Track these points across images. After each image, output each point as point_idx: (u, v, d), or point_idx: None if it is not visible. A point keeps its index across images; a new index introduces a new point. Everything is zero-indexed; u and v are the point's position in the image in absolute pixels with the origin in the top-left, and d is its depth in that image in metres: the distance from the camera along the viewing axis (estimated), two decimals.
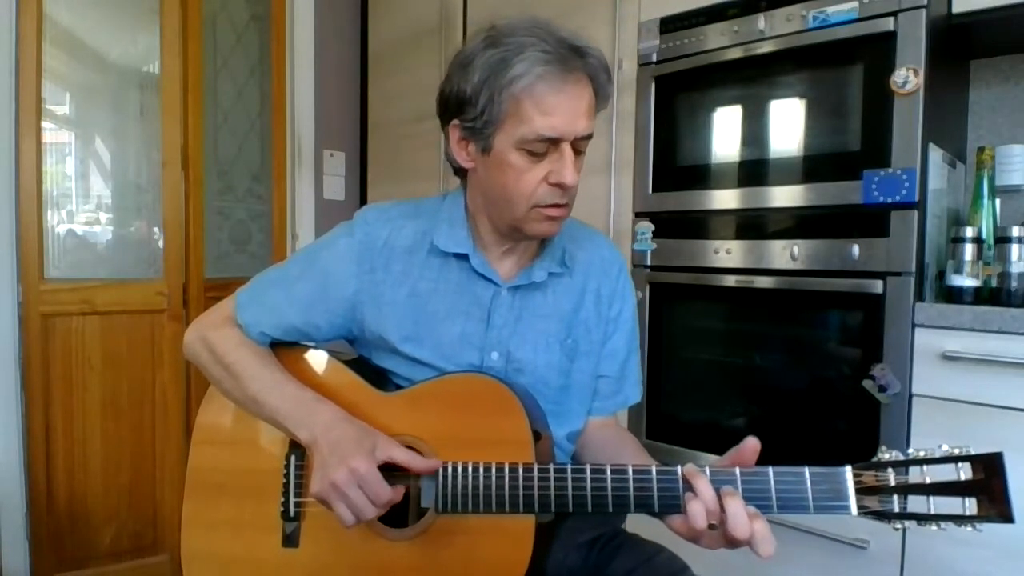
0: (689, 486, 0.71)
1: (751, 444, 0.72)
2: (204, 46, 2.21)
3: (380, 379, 0.92)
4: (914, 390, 1.30)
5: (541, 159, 0.82)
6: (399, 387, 0.91)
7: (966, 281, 1.33)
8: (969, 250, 1.33)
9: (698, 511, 0.69)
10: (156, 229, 2.14)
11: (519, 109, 0.80)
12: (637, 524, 1.00)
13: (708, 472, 0.72)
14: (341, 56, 2.60)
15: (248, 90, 2.38)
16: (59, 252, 1.97)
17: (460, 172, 0.93)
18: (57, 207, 1.98)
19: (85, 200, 2.05)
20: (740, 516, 0.68)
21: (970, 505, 0.66)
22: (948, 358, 1.25)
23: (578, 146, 0.83)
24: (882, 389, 1.32)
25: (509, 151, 0.82)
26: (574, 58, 0.80)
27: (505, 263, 0.93)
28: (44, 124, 1.92)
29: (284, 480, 0.88)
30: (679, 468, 0.73)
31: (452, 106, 0.86)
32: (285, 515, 0.87)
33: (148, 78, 2.13)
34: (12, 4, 1.83)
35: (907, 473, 0.68)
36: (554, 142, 0.81)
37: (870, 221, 1.35)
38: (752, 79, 1.53)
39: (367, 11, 2.60)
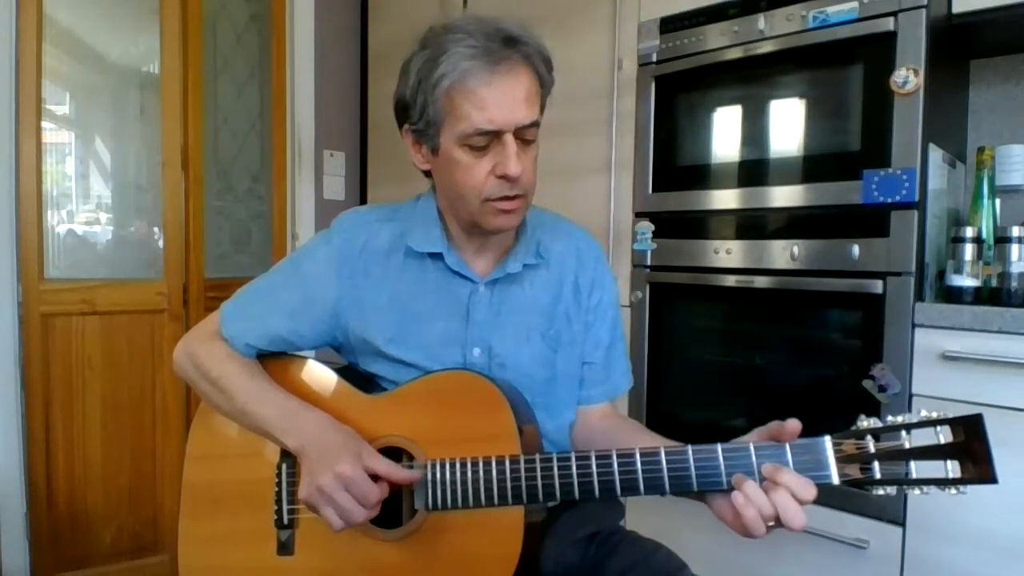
0: (736, 490, 0.70)
1: (792, 428, 0.71)
2: (204, 46, 2.21)
3: (368, 384, 0.93)
4: (914, 390, 1.30)
5: (485, 153, 0.82)
6: (387, 390, 0.91)
7: (966, 281, 1.33)
8: (969, 250, 1.33)
9: (753, 516, 0.68)
10: (156, 229, 2.14)
11: (453, 106, 0.80)
12: (636, 522, 1.00)
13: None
14: (341, 56, 2.60)
15: (248, 90, 2.38)
16: (59, 252, 1.97)
17: (428, 173, 0.93)
18: (57, 207, 1.98)
19: (85, 200, 2.05)
20: (791, 507, 0.67)
21: (953, 468, 0.66)
22: (948, 358, 1.25)
23: (523, 135, 0.82)
24: (882, 389, 1.32)
25: (454, 148, 0.82)
26: (502, 49, 0.79)
27: (480, 260, 0.94)
28: (44, 124, 1.92)
29: (276, 488, 0.88)
30: (661, 449, 0.74)
31: (399, 111, 0.88)
32: (279, 523, 0.87)
33: (148, 78, 2.13)
34: (12, 4, 1.83)
35: (888, 440, 0.68)
36: (496, 135, 0.80)
37: (870, 221, 1.35)
38: (752, 79, 1.53)
39: (367, 11, 2.60)
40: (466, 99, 0.79)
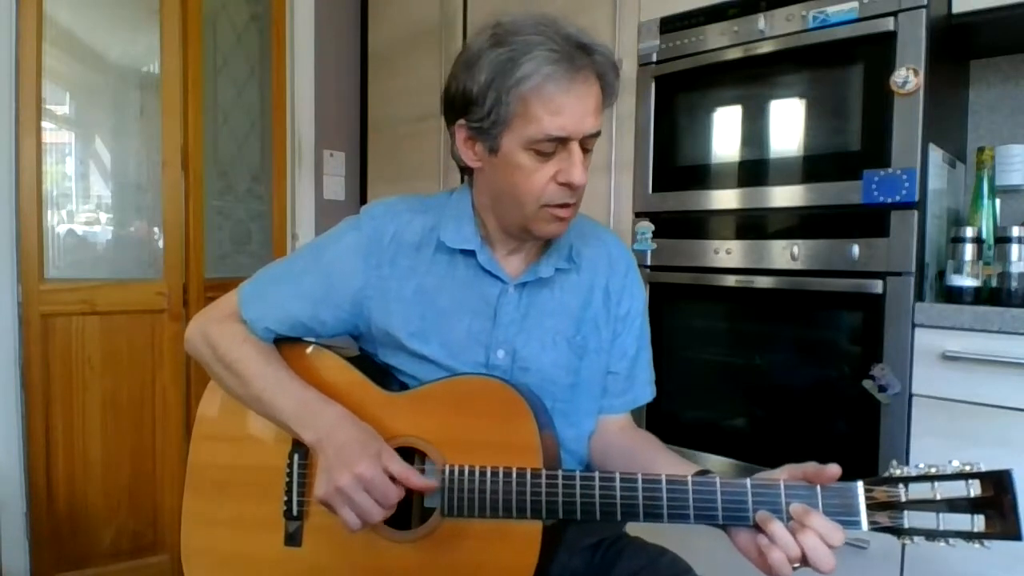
0: (762, 531, 0.69)
1: (832, 473, 0.70)
2: (204, 46, 2.21)
3: (384, 377, 0.91)
4: (914, 390, 1.30)
5: (549, 158, 0.81)
6: (404, 385, 0.91)
7: (966, 281, 1.33)
8: (969, 250, 1.33)
9: (780, 559, 0.68)
10: (156, 229, 2.14)
11: (527, 109, 0.79)
12: (640, 527, 1.00)
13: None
14: (341, 56, 2.60)
15: (248, 90, 2.38)
16: (59, 252, 1.97)
17: (466, 170, 0.92)
18: (57, 207, 1.97)
19: (85, 200, 2.05)
20: (820, 549, 0.67)
21: (978, 522, 0.66)
22: (948, 358, 1.25)
23: (586, 144, 0.83)
24: (882, 389, 1.32)
25: (517, 151, 0.81)
26: (581, 56, 0.79)
27: (512, 260, 0.93)
28: (44, 124, 1.92)
29: (287, 478, 0.88)
30: (689, 479, 0.72)
31: (458, 106, 0.85)
32: (288, 514, 0.87)
33: (148, 78, 2.13)
34: (12, 4, 1.83)
35: (922, 489, 0.68)
36: (562, 141, 0.80)
37: (870, 221, 1.35)
38: (752, 79, 1.53)
39: (367, 11, 2.60)
40: (542, 104, 0.78)
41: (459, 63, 0.84)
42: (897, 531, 0.68)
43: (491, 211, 0.90)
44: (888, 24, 1.32)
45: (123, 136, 2.11)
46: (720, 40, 1.57)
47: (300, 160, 2.49)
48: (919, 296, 1.33)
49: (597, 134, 0.83)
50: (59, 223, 1.98)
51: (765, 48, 1.48)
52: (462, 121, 0.85)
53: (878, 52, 1.33)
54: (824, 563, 0.67)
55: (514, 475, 0.76)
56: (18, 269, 1.87)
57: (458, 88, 0.84)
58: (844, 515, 0.69)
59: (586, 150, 0.84)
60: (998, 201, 1.47)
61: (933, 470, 0.68)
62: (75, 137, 2.05)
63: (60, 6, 1.95)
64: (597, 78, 0.81)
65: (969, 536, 0.66)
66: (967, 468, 0.66)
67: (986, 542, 0.66)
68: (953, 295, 1.34)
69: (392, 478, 0.77)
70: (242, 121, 2.37)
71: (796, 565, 0.68)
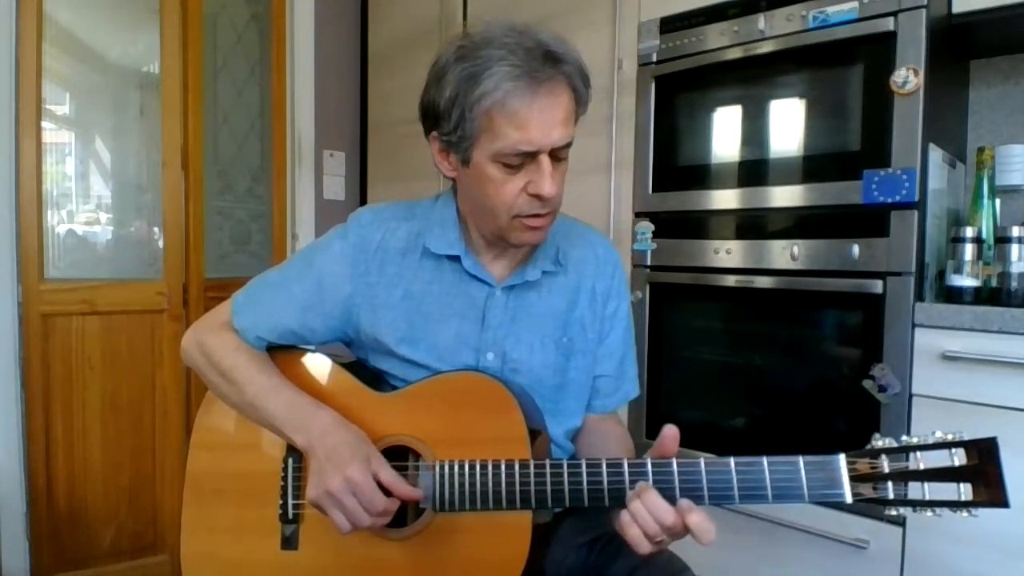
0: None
1: (669, 433, 0.73)
2: (204, 46, 2.21)
3: (377, 381, 0.92)
4: (914, 390, 1.30)
5: (519, 170, 0.82)
6: (396, 388, 0.91)
7: (966, 281, 1.33)
8: (969, 250, 1.33)
9: (636, 535, 0.71)
10: (156, 229, 2.14)
11: (492, 125, 0.79)
12: None
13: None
14: (341, 56, 2.60)
15: (248, 90, 2.38)
16: (59, 252, 1.97)
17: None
18: (57, 207, 1.98)
19: (85, 200, 2.05)
20: (642, 513, 0.70)
21: (965, 490, 0.66)
22: (948, 358, 1.25)
23: (557, 154, 0.82)
24: (882, 389, 1.32)
25: (486, 164, 0.82)
26: (546, 67, 0.78)
27: (498, 264, 0.94)
28: (44, 124, 1.92)
29: (282, 483, 0.88)
30: (673, 460, 0.74)
31: (429, 118, 0.86)
32: (283, 518, 0.88)
33: (148, 78, 2.13)
34: (12, 4, 1.83)
35: (902, 460, 0.68)
36: (531, 154, 0.80)
37: (870, 221, 1.35)
38: (752, 79, 1.53)
39: (367, 11, 2.60)
40: (506, 119, 0.78)
41: (430, 75, 0.85)
42: (882, 502, 0.68)
43: (472, 218, 0.92)
44: (888, 24, 1.32)
45: (123, 136, 2.11)
46: (720, 40, 1.57)
47: (300, 160, 2.49)
48: (919, 296, 1.33)
49: (568, 144, 0.82)
50: (59, 223, 1.98)
51: (765, 48, 1.48)
52: (435, 133, 0.86)
53: (878, 52, 1.33)
54: (649, 527, 0.70)
55: (503, 467, 0.77)
56: (18, 269, 1.87)
57: (429, 101, 0.85)
58: (828, 488, 0.69)
59: (559, 159, 0.83)
60: (998, 201, 1.48)
61: (916, 440, 0.68)
62: (75, 137, 2.05)
63: (60, 6, 1.95)
64: (567, 87, 0.81)
65: (956, 505, 0.66)
66: (950, 437, 0.66)
67: (974, 510, 0.65)
68: (953, 295, 1.34)
69: (381, 486, 0.78)
70: (242, 121, 2.37)
71: (661, 538, 0.70)
